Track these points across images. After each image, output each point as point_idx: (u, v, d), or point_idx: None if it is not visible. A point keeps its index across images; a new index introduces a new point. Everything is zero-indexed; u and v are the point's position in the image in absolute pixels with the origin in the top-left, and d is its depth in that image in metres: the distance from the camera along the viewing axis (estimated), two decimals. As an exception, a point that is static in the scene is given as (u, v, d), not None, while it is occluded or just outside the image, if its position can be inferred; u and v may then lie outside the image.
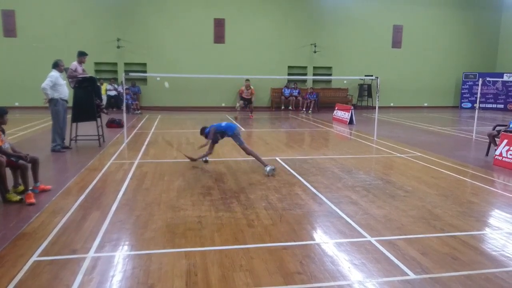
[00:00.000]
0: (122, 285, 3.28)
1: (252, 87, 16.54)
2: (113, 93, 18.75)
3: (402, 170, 7.43)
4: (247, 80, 16.45)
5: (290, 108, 20.39)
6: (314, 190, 5.98)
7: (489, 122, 15.23)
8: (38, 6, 18.42)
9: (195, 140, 10.47)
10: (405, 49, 22.26)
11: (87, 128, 9.85)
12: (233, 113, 18.30)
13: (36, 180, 5.65)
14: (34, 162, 5.65)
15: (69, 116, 9.15)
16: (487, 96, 22.24)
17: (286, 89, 20.72)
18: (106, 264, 3.61)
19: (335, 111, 16.11)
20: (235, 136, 7.36)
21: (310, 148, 9.74)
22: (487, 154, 8.85)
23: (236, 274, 3.45)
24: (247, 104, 16.64)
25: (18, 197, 5.26)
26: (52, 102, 8.56)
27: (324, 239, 4.24)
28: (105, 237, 4.18)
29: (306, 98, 19.89)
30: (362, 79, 20.77)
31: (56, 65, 8.59)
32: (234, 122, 14.64)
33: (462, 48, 23.00)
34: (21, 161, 5.40)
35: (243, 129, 12.94)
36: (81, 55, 9.29)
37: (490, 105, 22.23)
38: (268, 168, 6.85)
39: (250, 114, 16.75)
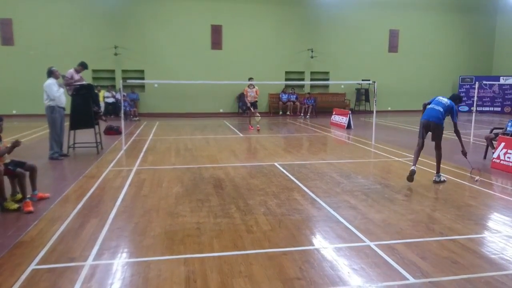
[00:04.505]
0: (121, 293, 3.26)
1: (256, 87, 14.12)
2: (111, 100, 18.75)
3: (400, 174, 7.43)
4: (251, 78, 14.29)
5: (288, 113, 20.43)
6: (313, 195, 5.98)
7: (486, 125, 15.28)
8: (35, 15, 18.46)
9: (193, 147, 10.47)
10: (402, 53, 22.37)
11: (85, 136, 9.84)
12: (232, 119, 18.33)
13: (34, 188, 5.64)
14: (32, 170, 5.64)
15: (66, 124, 9.14)
16: (484, 99, 22.33)
17: (283, 94, 20.78)
18: (104, 272, 3.60)
19: (332, 116, 16.14)
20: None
21: (308, 153, 9.75)
22: (484, 157, 8.87)
23: (236, 280, 3.44)
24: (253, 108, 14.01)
25: (16, 206, 5.24)
26: (49, 109, 8.56)
27: (323, 244, 4.24)
28: (104, 244, 4.17)
29: (304, 103, 19.95)
30: (359, 84, 20.83)
31: (52, 73, 8.60)
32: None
33: (458, 52, 23.12)
34: (19, 169, 5.40)
35: (240, 135, 12.95)
36: (83, 68, 9.32)
37: (487, 108, 22.31)
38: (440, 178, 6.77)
39: (257, 125, 13.95)
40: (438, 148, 6.85)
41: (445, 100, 6.82)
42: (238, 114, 20.32)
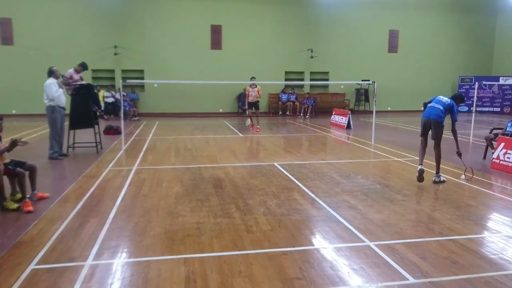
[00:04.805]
0: (120, 293, 3.26)
1: (258, 86, 13.58)
2: (110, 100, 18.73)
3: (400, 174, 7.43)
4: (253, 77, 13.74)
5: (287, 113, 20.43)
6: (313, 195, 5.98)
7: (486, 125, 15.29)
8: (35, 14, 18.44)
9: (193, 146, 10.47)
10: (402, 53, 22.37)
11: (84, 135, 9.84)
12: (232, 119, 18.34)
13: (33, 187, 5.63)
14: (32, 170, 5.63)
15: (66, 123, 9.14)
16: (483, 100, 22.33)
17: (283, 94, 20.77)
18: (104, 272, 3.60)
19: (332, 116, 16.14)
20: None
21: (308, 153, 9.75)
22: (484, 157, 8.87)
23: (235, 280, 3.44)
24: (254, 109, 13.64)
25: (15, 205, 5.24)
26: (50, 109, 8.56)
27: (323, 244, 4.24)
28: (103, 244, 4.17)
29: (304, 103, 19.95)
30: (359, 84, 20.83)
31: (52, 73, 8.61)
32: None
33: (458, 52, 23.12)
34: (18, 169, 5.39)
35: (240, 135, 12.96)
36: (84, 68, 9.32)
37: (486, 109, 22.31)
38: (440, 178, 6.76)
39: (257, 126, 13.75)
40: (437, 146, 6.88)
41: (445, 99, 6.89)
42: (238, 114, 20.31)
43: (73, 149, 9.57)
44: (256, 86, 13.46)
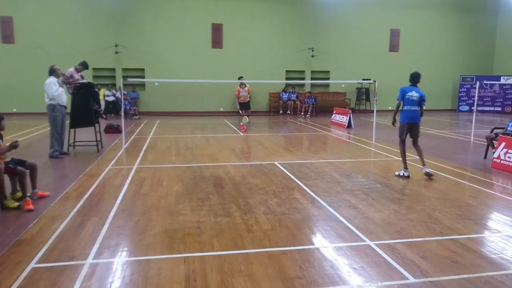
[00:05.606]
0: (121, 292, 3.26)
1: (247, 85, 13.47)
2: (111, 98, 18.74)
3: (400, 173, 7.42)
4: (241, 77, 13.71)
5: (288, 112, 20.43)
6: (313, 194, 5.98)
7: (486, 125, 15.25)
8: (36, 13, 18.44)
9: (194, 145, 10.47)
10: (403, 52, 22.34)
11: (85, 134, 9.84)
12: (232, 118, 18.33)
13: (34, 186, 5.64)
14: (32, 169, 5.64)
15: (67, 122, 9.14)
16: (484, 99, 22.31)
17: (284, 93, 20.77)
18: (104, 271, 3.60)
19: (333, 115, 16.13)
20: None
21: (308, 152, 9.74)
22: (485, 157, 8.86)
23: (236, 279, 3.44)
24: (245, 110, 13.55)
25: (16, 204, 5.24)
26: (50, 108, 8.57)
27: (323, 244, 4.23)
28: (104, 243, 4.17)
29: (304, 102, 19.93)
30: (360, 83, 20.82)
31: (53, 71, 8.61)
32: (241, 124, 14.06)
33: (459, 51, 23.09)
34: (19, 168, 5.40)
35: (241, 134, 12.95)
36: (84, 67, 9.32)
37: (487, 108, 22.29)
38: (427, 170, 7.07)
39: (244, 127, 13.51)
40: (417, 143, 7.38)
41: (415, 95, 7.26)
42: (238, 113, 20.28)
43: (73, 148, 9.57)
44: (245, 86, 13.27)
